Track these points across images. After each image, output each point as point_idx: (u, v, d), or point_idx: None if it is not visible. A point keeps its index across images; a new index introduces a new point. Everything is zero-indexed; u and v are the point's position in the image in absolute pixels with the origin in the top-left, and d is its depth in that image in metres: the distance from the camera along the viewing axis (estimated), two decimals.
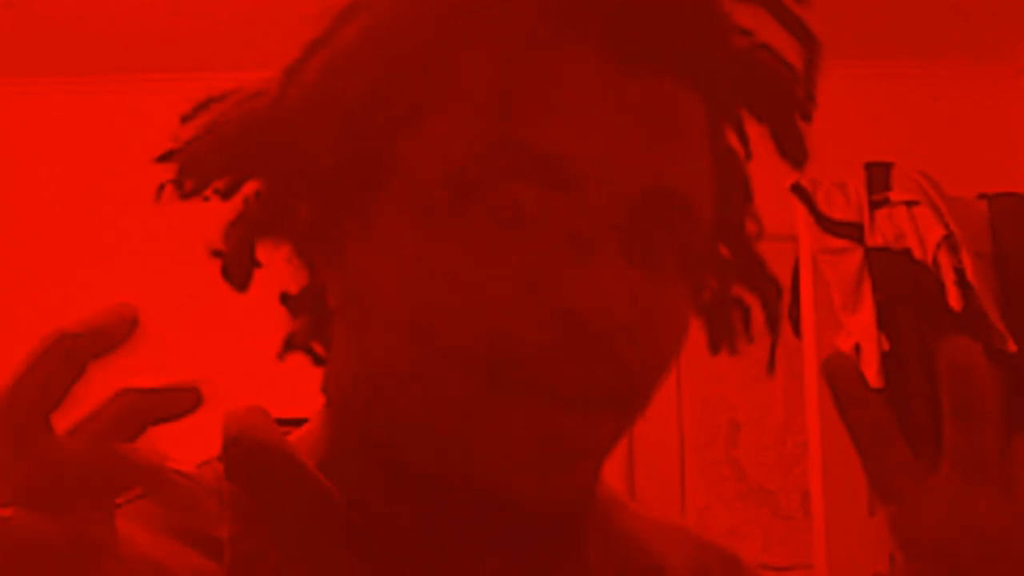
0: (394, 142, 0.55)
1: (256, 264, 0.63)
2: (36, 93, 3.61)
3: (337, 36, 0.57)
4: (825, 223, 2.93)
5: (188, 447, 0.76)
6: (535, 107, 0.51)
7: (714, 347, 0.66)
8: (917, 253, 2.83)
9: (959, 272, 2.78)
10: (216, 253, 0.63)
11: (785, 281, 3.36)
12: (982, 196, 2.96)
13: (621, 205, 0.51)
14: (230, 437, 0.60)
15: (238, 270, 0.63)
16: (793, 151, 0.61)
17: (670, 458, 3.55)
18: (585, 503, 0.59)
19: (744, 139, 0.63)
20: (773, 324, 0.64)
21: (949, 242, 2.81)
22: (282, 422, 0.63)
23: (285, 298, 0.66)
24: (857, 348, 2.85)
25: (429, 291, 0.52)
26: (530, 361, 0.51)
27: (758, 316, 0.66)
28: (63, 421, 0.42)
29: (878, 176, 2.97)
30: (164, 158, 0.61)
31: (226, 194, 0.62)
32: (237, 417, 0.61)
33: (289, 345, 0.67)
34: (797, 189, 2.95)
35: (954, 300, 2.75)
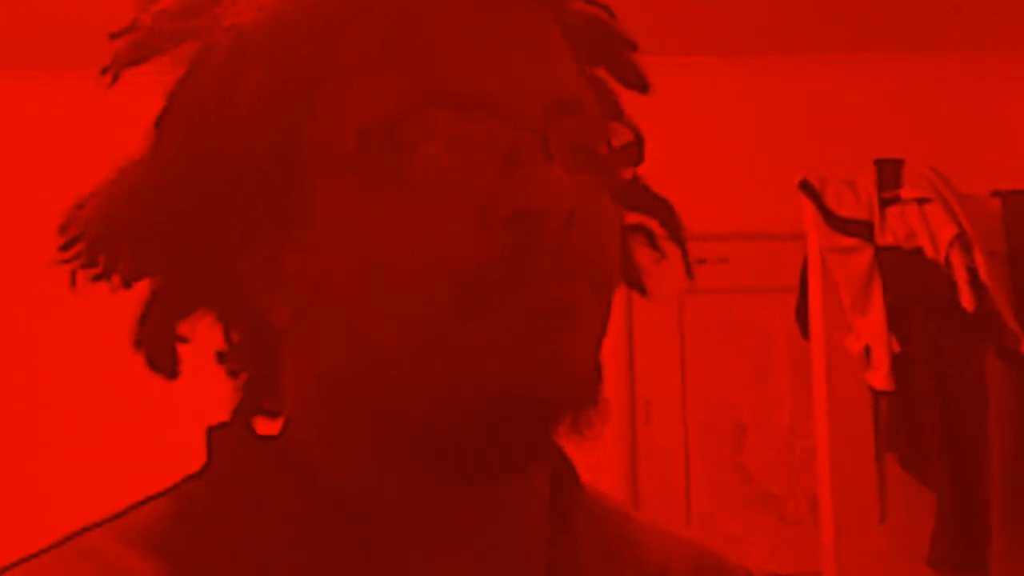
0: (292, 137, 0.57)
1: (181, 342, 0.63)
2: (30, 87, 3.62)
3: (198, 73, 0.59)
4: (834, 221, 2.93)
5: (169, 464, 0.76)
6: (432, 52, 0.56)
7: (628, 280, 0.69)
8: (929, 252, 2.83)
9: (972, 271, 2.79)
10: (138, 344, 0.63)
11: (793, 281, 3.37)
12: (995, 193, 2.96)
13: (536, 113, 0.56)
14: (216, 451, 0.61)
15: (163, 359, 0.63)
16: (634, 80, 0.67)
17: (674, 463, 3.55)
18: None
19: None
20: (677, 238, 0.69)
21: (962, 240, 2.81)
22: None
23: (222, 356, 0.66)
24: (867, 350, 2.86)
25: (384, 247, 0.55)
26: (498, 271, 0.55)
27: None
28: None
29: (888, 173, 2.98)
30: (66, 247, 0.62)
31: (127, 279, 0.62)
32: (219, 433, 0.62)
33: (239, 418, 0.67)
34: (805, 186, 2.95)
35: (967, 300, 2.75)
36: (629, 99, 0.67)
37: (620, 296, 0.64)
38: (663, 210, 0.69)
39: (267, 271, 0.59)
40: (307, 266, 0.58)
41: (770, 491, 3.57)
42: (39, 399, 3.47)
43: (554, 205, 0.54)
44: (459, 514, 0.58)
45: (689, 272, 0.70)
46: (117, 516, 0.58)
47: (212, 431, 0.62)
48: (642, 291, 0.70)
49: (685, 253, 0.69)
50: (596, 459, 0.65)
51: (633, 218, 0.69)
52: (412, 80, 0.56)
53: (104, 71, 0.62)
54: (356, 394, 0.58)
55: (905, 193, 2.92)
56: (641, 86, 0.67)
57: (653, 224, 0.69)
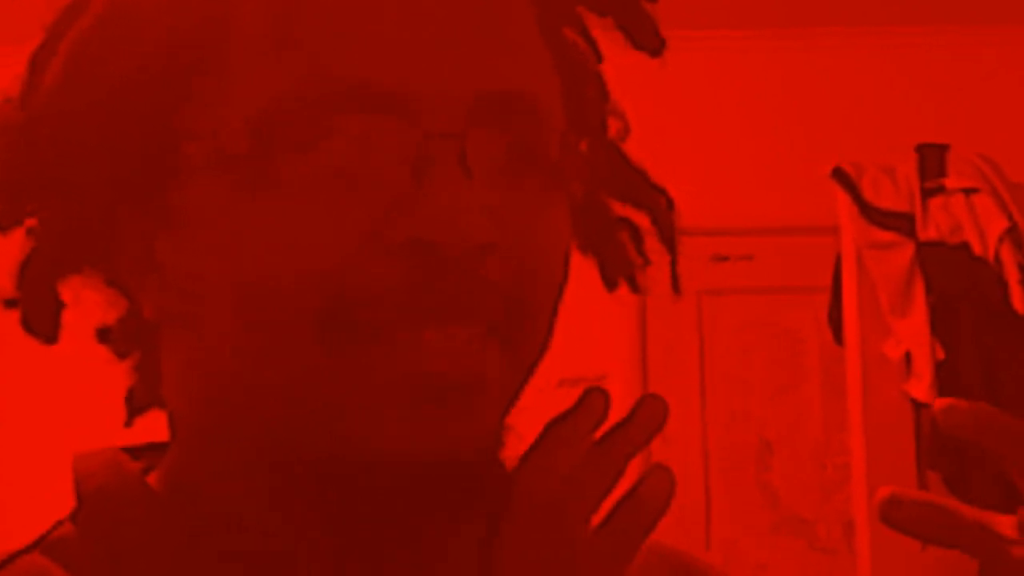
0: (172, 115, 0.55)
1: (61, 306, 0.61)
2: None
3: (86, 11, 0.57)
4: (871, 213, 2.94)
5: (31, 501, 0.74)
6: (335, 35, 0.53)
7: (609, 282, 0.66)
8: (976, 247, 2.84)
9: None
10: (10, 303, 0.61)
11: (825, 280, 3.38)
12: None
13: (455, 114, 0.53)
14: (86, 492, 0.59)
15: (41, 320, 0.61)
16: (646, 39, 0.62)
17: (693, 482, 3.56)
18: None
19: (591, 41, 0.64)
20: (668, 240, 0.65)
21: (1013, 235, 2.82)
22: (137, 450, 0.62)
23: (103, 333, 0.64)
24: (907, 357, 2.86)
25: (256, 256, 0.53)
26: (373, 302, 0.52)
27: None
28: None
29: (932, 160, 2.98)
30: None
31: (2, 226, 0.60)
32: (89, 466, 0.60)
33: (133, 406, 0.65)
34: (839, 174, 2.96)
35: (1018, 301, 2.76)
36: (634, 81, 0.64)
37: (633, 296, 0.62)
38: (656, 203, 0.65)
39: (140, 252, 0.57)
40: (179, 260, 0.56)
41: (799, 514, 3.58)
42: None
43: (461, 236, 0.51)
44: (372, 568, 0.56)
45: (675, 284, 0.66)
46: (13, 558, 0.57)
47: (78, 461, 0.60)
48: (632, 285, 0.67)
49: (674, 258, 0.65)
50: None
51: (621, 209, 0.65)
52: (306, 66, 0.52)
53: None
54: (231, 419, 0.57)
55: (950, 182, 2.93)
56: (655, 47, 0.63)
57: (642, 219, 0.65)
